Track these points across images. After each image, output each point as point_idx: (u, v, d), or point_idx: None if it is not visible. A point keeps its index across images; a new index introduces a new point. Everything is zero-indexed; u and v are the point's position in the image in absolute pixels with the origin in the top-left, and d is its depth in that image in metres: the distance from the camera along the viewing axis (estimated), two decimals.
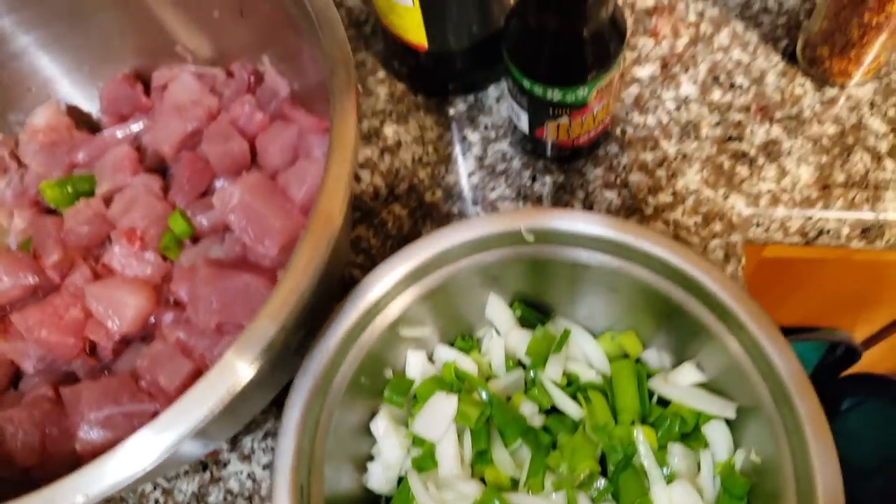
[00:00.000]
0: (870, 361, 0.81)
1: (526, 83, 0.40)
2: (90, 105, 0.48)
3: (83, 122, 0.48)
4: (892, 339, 0.76)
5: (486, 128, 0.49)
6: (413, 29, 0.44)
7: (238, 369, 0.26)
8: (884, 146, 0.45)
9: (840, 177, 0.45)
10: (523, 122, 0.44)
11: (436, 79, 0.50)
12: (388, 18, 0.45)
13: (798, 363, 0.30)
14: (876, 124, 0.46)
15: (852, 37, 0.43)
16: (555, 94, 0.40)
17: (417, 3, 0.41)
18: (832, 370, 0.81)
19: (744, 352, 0.32)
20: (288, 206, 0.37)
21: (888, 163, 0.45)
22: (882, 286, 0.63)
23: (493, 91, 0.50)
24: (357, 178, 0.48)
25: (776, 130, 0.47)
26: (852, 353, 0.79)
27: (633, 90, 0.49)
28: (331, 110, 0.29)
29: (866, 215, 0.44)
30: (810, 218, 0.45)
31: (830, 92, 0.47)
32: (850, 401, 0.74)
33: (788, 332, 0.79)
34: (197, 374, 0.36)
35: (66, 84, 0.47)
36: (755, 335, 0.31)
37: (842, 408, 0.75)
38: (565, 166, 0.47)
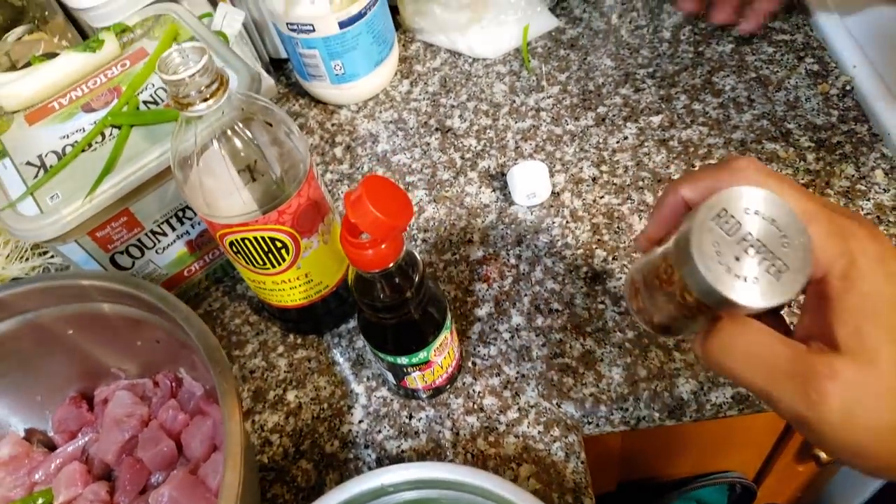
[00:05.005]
0: (768, 493, 0.91)
1: (381, 354, 0.53)
2: (44, 424, 0.59)
3: (39, 441, 0.58)
4: (775, 472, 0.86)
5: (367, 379, 0.61)
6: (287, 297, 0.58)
7: None
8: (671, 342, 0.59)
9: (643, 372, 0.58)
10: (390, 378, 0.57)
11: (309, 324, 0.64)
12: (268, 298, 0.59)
13: None
14: None
15: None
16: (403, 360, 0.53)
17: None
18: None
19: None
20: (207, 494, 0.47)
21: (676, 354, 0.58)
22: (729, 436, 0.74)
23: (369, 352, 0.63)
24: (269, 443, 0.59)
25: (589, 342, 0.60)
26: (750, 490, 0.89)
27: (477, 328, 0.62)
28: (224, 429, 0.41)
29: (667, 400, 0.56)
30: (627, 410, 0.57)
31: (623, 304, 0.62)
32: None
33: (696, 478, 0.90)
34: None
35: (20, 416, 0.58)
36: None
37: None
38: (433, 401, 0.59)
